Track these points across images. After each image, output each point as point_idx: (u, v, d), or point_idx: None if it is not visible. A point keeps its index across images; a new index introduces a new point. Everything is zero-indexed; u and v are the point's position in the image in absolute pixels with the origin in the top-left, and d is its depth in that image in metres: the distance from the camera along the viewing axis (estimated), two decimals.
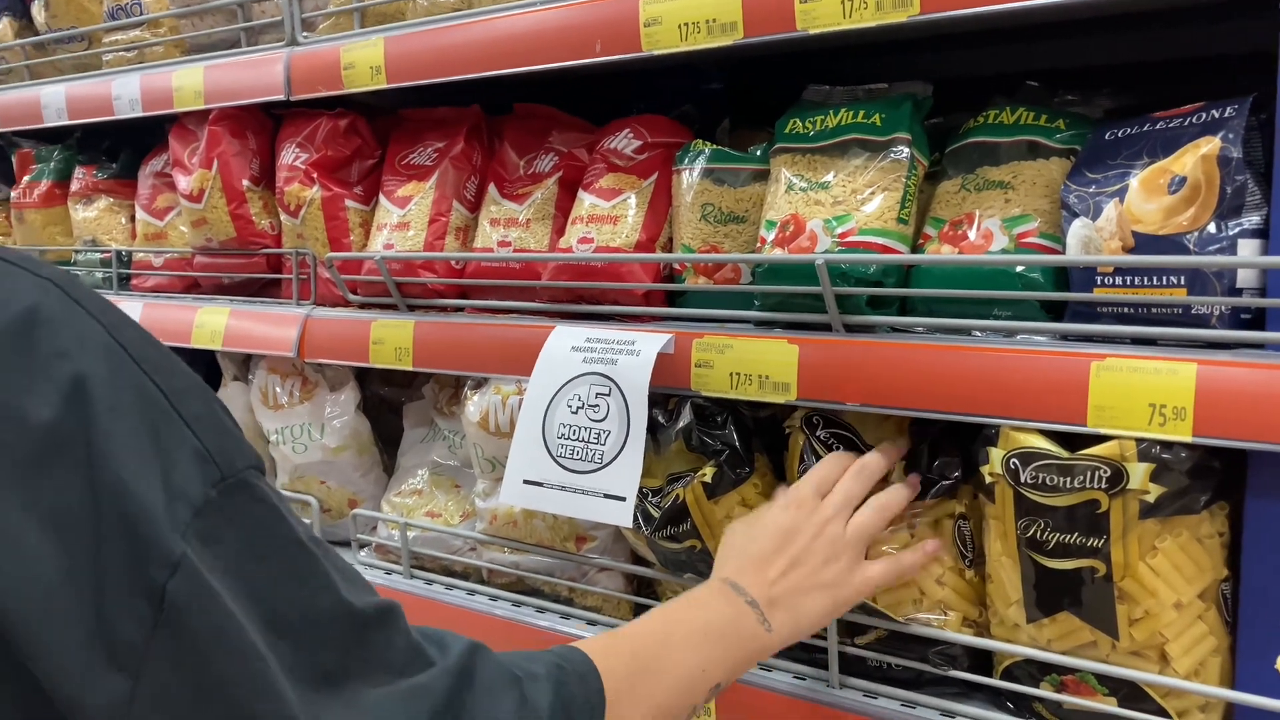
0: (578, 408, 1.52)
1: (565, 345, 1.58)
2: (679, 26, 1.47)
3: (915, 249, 1.42)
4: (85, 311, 0.66)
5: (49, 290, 0.66)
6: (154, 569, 0.62)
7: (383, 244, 1.88)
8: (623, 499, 1.44)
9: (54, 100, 2.37)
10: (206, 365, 2.29)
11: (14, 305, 0.63)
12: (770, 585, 1.23)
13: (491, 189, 1.84)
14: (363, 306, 1.94)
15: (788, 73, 1.75)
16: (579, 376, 1.54)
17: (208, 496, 0.66)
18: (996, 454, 1.26)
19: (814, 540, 1.27)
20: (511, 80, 1.71)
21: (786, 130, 1.52)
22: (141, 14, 2.22)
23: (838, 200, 1.41)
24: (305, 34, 1.96)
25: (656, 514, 1.49)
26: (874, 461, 1.35)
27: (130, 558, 0.62)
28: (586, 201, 1.68)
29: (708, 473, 1.46)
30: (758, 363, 1.42)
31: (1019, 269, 1.30)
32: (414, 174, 1.91)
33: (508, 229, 1.78)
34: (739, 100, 1.86)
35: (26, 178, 2.55)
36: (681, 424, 1.50)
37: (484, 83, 1.71)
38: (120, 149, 2.50)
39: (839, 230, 1.39)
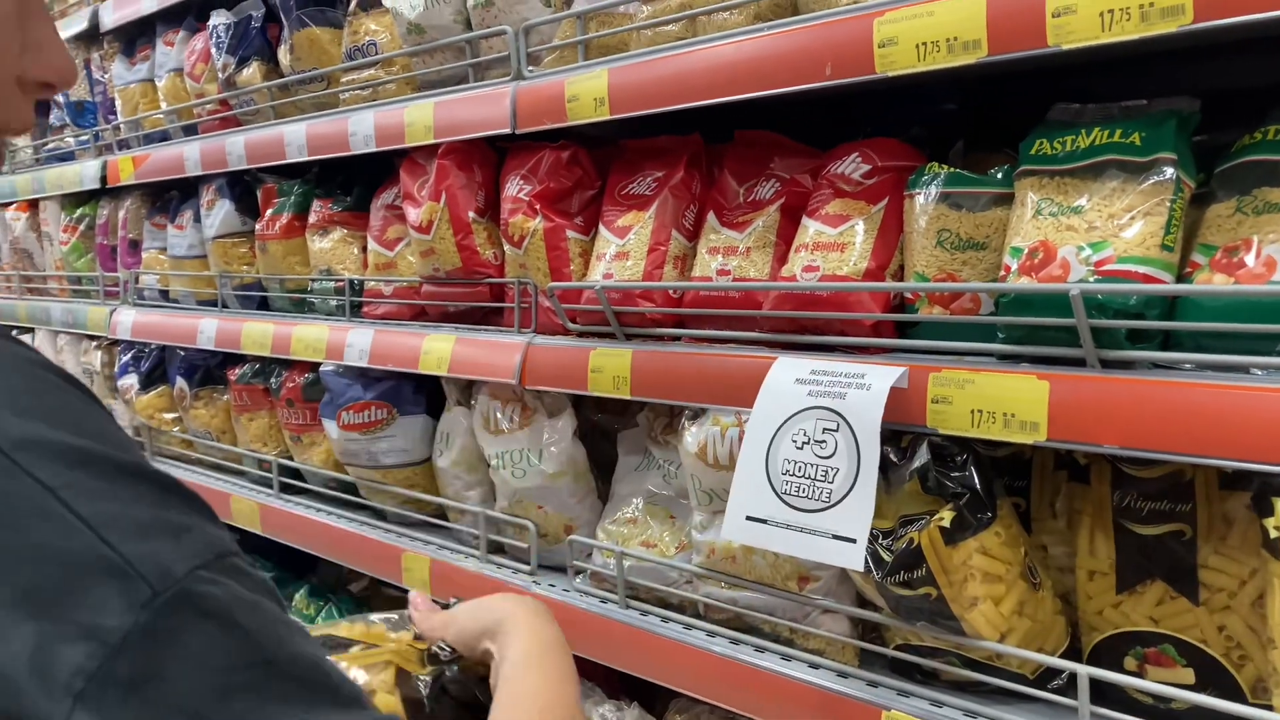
0: (803, 443, 1.47)
1: (789, 377, 1.53)
2: (916, 46, 1.40)
3: (1181, 278, 1.30)
4: None
5: None
6: None
7: (602, 273, 1.88)
8: (853, 540, 1.38)
9: (295, 138, 2.50)
10: (430, 390, 2.37)
11: None
12: None
13: (710, 217, 1.82)
14: (581, 335, 1.95)
15: (1026, 91, 1.65)
16: (804, 410, 1.48)
17: (132, 626, 0.54)
18: None
19: None
20: (731, 107, 1.69)
21: (1032, 151, 1.43)
22: (376, 54, 2.32)
23: (1093, 226, 1.31)
24: (530, 68, 2.00)
25: (888, 558, 1.41)
26: None
27: None
28: (811, 229, 1.63)
29: (946, 516, 1.37)
30: (1003, 399, 1.33)
31: None
32: (633, 204, 1.91)
33: (727, 257, 1.75)
34: (973, 121, 1.77)
35: (269, 210, 2.71)
36: (917, 464, 1.43)
37: (703, 110, 1.70)
38: (354, 183, 2.63)
39: (1095, 258, 1.29)
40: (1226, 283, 1.23)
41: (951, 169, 1.52)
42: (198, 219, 3.02)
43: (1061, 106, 1.46)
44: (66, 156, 3.69)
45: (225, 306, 2.95)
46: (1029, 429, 1.31)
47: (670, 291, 1.82)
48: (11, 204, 4.00)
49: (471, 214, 2.13)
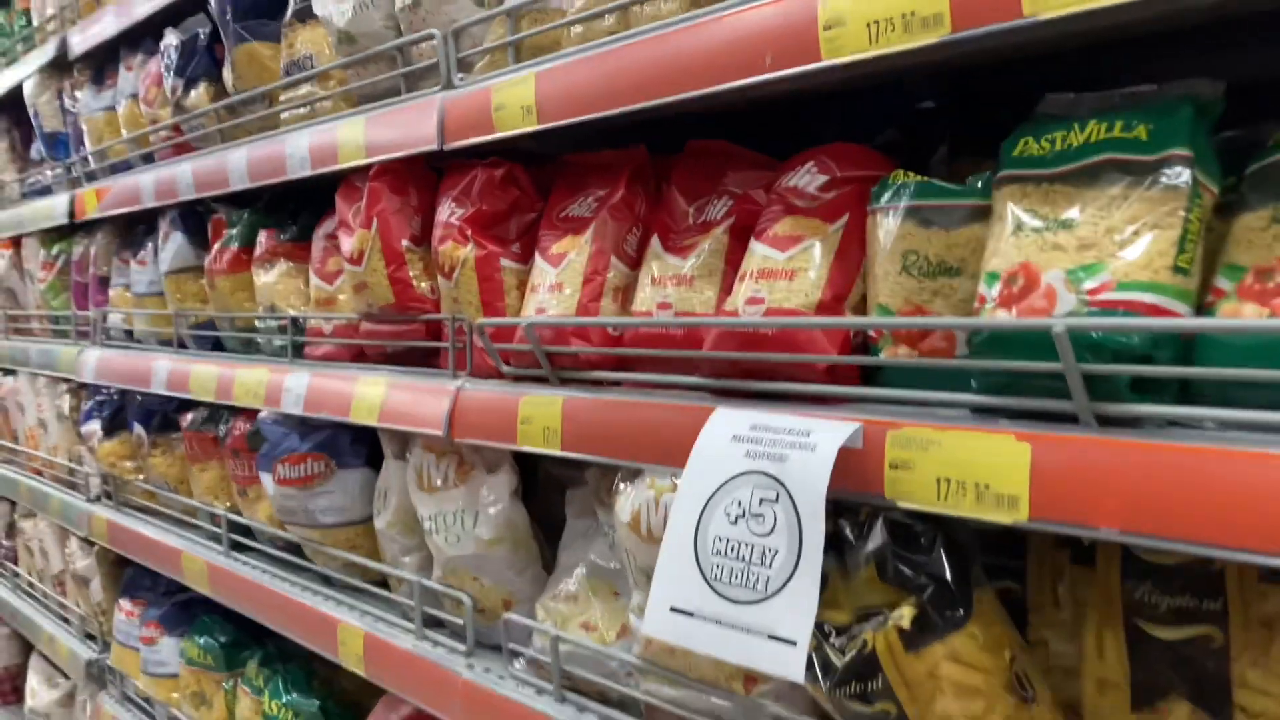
0: (737, 517, 1.19)
1: (725, 434, 1.25)
2: (867, 26, 1.14)
3: (1201, 309, 1.00)
4: None
5: None
6: None
7: (535, 308, 1.63)
8: (793, 643, 1.10)
9: (238, 164, 2.29)
10: (371, 441, 2.12)
11: None
12: None
13: (654, 242, 1.55)
14: (517, 379, 1.70)
15: (1024, 84, 1.37)
16: (739, 476, 1.21)
17: None
18: None
19: None
20: (696, 114, 1.44)
21: (1016, 153, 1.14)
22: (313, 68, 2.11)
23: (1086, 243, 1.02)
24: (461, 75, 1.76)
25: (839, 662, 1.12)
26: None
27: None
28: (758, 253, 1.36)
29: (906, 614, 1.09)
30: (974, 465, 1.05)
31: None
32: (571, 227, 1.65)
33: (668, 288, 1.48)
34: (960, 122, 1.49)
35: (218, 243, 2.50)
36: (872, 546, 1.14)
37: (669, 118, 1.46)
38: (302, 211, 2.41)
39: (1088, 284, 1.00)
40: (1259, 315, 0.94)
41: (921, 178, 1.24)
42: (157, 254, 2.82)
43: (1053, 97, 1.17)
44: (45, 191, 3.54)
45: (183, 347, 2.74)
46: (1007, 505, 1.02)
47: (610, 329, 1.55)
48: None
49: (405, 242, 1.88)
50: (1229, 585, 1.02)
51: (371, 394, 1.91)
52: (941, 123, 1.47)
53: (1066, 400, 1.00)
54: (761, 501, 1.18)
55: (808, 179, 1.36)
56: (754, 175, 1.51)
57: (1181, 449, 0.92)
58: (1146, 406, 0.97)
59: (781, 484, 1.16)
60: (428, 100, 1.77)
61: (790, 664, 1.10)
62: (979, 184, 1.20)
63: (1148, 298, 0.97)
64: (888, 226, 1.24)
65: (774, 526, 1.16)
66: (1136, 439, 0.95)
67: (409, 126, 1.80)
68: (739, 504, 1.20)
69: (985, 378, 1.08)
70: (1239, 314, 0.96)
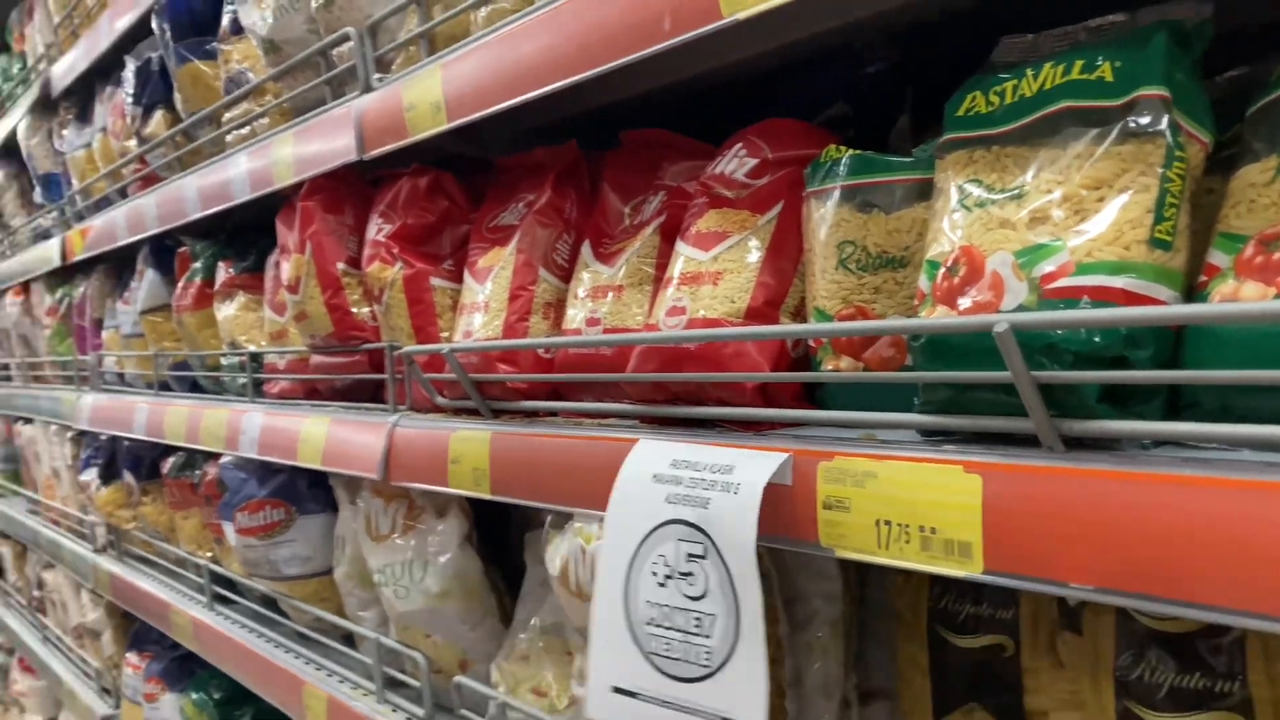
0: (666, 577, 0.99)
1: (645, 472, 1.05)
2: None
3: (1191, 293, 0.78)
4: None
5: None
6: None
7: (463, 331, 1.44)
8: None
9: (191, 192, 2.16)
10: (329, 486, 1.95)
11: None
12: None
13: (585, 248, 1.36)
14: (456, 413, 1.51)
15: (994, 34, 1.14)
16: (662, 526, 1.00)
17: None
18: None
19: None
20: (657, 103, 1.27)
21: (960, 112, 0.92)
22: (248, 83, 1.95)
23: (1039, 217, 0.80)
24: (379, 76, 1.59)
25: None
26: None
27: None
28: (682, 254, 1.15)
29: None
30: (916, 504, 0.83)
31: None
32: (498, 238, 1.46)
33: (597, 301, 1.28)
34: (923, 87, 1.27)
35: (184, 278, 2.37)
36: None
37: (632, 108, 1.28)
38: (264, 238, 2.26)
39: (1041, 269, 0.78)
40: (1263, 297, 0.71)
41: (856, 152, 1.02)
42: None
43: (1009, 40, 0.95)
44: (46, 235, 3.47)
45: (166, 389, 2.62)
46: (958, 554, 0.80)
47: (540, 351, 1.36)
48: (6, 290, 3.82)
49: (342, 265, 1.72)
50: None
51: (315, 434, 1.74)
52: (902, 89, 1.24)
53: (1025, 419, 0.78)
54: (689, 558, 0.97)
55: (735, 164, 1.15)
56: (693, 166, 1.30)
57: (1171, 479, 0.70)
58: (1124, 423, 0.74)
59: (707, 536, 0.96)
60: (345, 107, 1.60)
61: None
62: (926, 153, 0.99)
63: (1118, 281, 0.74)
64: (824, 214, 1.03)
65: (706, 588, 0.96)
66: (1112, 466, 0.73)
67: (331, 138, 1.64)
68: (664, 561, 0.99)
69: (931, 392, 0.86)
70: (1238, 296, 0.73)
